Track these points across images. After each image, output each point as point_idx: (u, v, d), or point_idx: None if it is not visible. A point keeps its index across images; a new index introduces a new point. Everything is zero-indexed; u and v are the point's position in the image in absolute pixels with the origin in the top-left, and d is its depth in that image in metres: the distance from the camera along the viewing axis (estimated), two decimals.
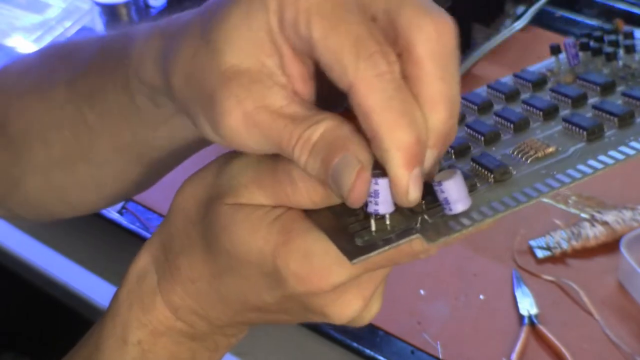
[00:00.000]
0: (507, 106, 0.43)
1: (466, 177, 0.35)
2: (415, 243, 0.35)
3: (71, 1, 1.18)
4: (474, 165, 0.38)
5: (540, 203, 0.89)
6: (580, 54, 0.46)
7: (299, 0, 0.33)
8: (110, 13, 1.12)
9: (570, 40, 0.46)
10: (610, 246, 0.85)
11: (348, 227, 0.36)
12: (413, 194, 0.33)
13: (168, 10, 1.11)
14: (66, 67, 0.48)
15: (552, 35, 1.09)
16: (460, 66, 1.07)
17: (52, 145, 0.49)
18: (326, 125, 0.34)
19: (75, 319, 0.97)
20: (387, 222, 0.35)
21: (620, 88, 0.42)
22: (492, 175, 0.36)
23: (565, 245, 0.85)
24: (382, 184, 0.34)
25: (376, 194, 0.34)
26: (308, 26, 0.33)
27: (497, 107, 0.43)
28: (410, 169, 0.33)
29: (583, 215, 0.88)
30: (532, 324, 0.80)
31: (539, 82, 0.45)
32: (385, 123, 0.32)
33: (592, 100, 0.42)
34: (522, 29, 1.08)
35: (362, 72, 0.32)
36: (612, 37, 0.46)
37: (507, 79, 0.46)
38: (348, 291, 0.37)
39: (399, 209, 0.35)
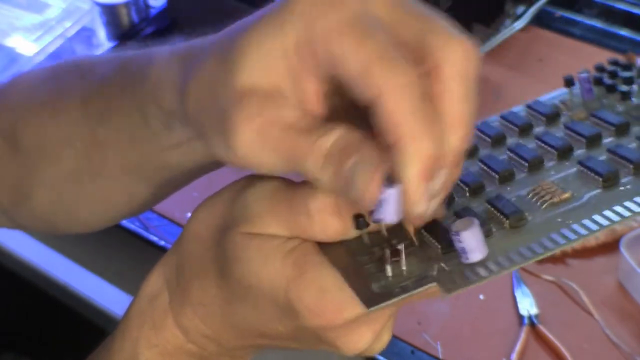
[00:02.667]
0: (520, 141, 0.43)
1: (482, 222, 0.36)
2: (431, 290, 0.35)
3: (71, 1, 1.18)
4: (489, 207, 0.38)
5: None
6: (595, 88, 0.46)
7: (317, 23, 0.34)
8: (110, 13, 1.12)
9: (584, 74, 0.46)
10: (610, 246, 0.85)
11: (363, 267, 0.36)
12: (421, 205, 0.34)
13: (168, 10, 1.11)
14: (82, 84, 0.48)
15: (552, 35, 1.09)
16: None
17: (62, 161, 0.49)
18: (338, 133, 0.34)
19: (75, 319, 0.97)
20: (404, 267, 0.36)
21: (635, 129, 0.42)
22: (507, 221, 0.37)
23: None
24: (392, 193, 0.34)
25: (384, 202, 0.34)
26: (331, 44, 0.34)
27: (510, 141, 0.43)
28: (425, 180, 0.33)
29: None
30: (532, 324, 0.80)
31: (552, 116, 0.44)
32: (410, 131, 0.33)
33: (607, 140, 0.42)
34: (522, 29, 1.08)
35: (392, 80, 0.33)
36: (627, 73, 0.46)
37: (520, 109, 0.46)
38: (360, 326, 0.37)
39: (415, 254, 0.36)
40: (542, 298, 0.82)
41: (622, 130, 0.42)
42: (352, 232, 0.37)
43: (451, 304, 0.83)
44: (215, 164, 0.46)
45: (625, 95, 0.45)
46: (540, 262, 0.85)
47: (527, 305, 0.81)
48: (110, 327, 0.94)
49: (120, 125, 0.46)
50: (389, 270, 0.36)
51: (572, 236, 0.36)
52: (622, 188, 0.38)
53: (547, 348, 0.78)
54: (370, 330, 0.38)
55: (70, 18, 1.17)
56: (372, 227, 0.37)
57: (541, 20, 1.10)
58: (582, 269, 0.84)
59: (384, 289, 0.35)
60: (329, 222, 0.36)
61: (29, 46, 1.14)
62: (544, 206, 0.38)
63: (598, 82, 0.46)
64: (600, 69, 0.47)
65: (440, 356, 0.78)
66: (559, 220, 0.37)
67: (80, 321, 0.97)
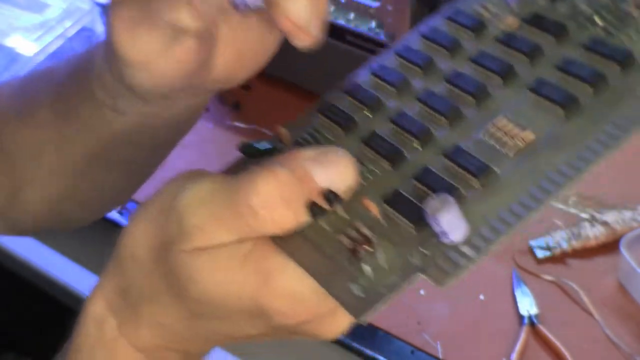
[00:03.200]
0: (455, 66, 0.39)
1: (448, 187, 0.33)
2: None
3: (71, 1, 1.18)
4: (450, 163, 0.35)
5: None
6: None
7: None
8: None
9: None
10: (610, 246, 0.85)
11: (332, 261, 0.33)
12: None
13: None
14: (47, 90, 0.50)
15: None
16: None
17: (41, 163, 0.50)
18: None
19: (75, 319, 0.97)
20: (380, 257, 0.33)
21: (574, 35, 0.37)
22: (476, 180, 0.33)
23: (565, 245, 0.85)
24: None
25: None
26: None
27: (443, 68, 0.39)
28: None
29: (583, 215, 0.88)
30: (532, 324, 0.80)
31: (478, 28, 0.40)
32: None
33: (550, 54, 0.37)
34: None
35: None
36: None
37: (439, 23, 0.41)
38: (337, 312, 0.36)
39: (386, 237, 0.33)
40: (542, 298, 0.82)
41: (562, 36, 0.37)
42: (305, 219, 0.34)
43: (451, 304, 0.83)
44: (177, 134, 0.49)
45: None
46: (540, 262, 0.85)
47: (527, 305, 0.81)
48: None
49: (81, 119, 0.47)
50: (367, 268, 0.33)
51: (551, 188, 0.32)
52: (586, 114, 0.34)
53: (547, 348, 0.78)
54: (347, 315, 0.36)
55: (70, 18, 1.17)
56: (328, 210, 0.34)
57: None
58: (582, 269, 0.84)
59: (367, 291, 0.32)
60: (278, 215, 0.34)
61: (29, 46, 1.14)
62: (512, 154, 0.34)
63: None
64: None
65: (440, 356, 0.78)
66: (532, 169, 0.33)
67: None
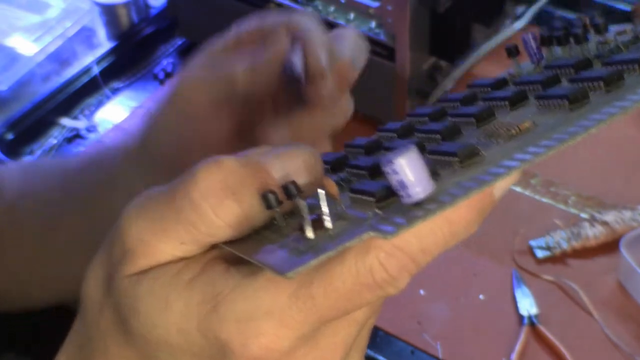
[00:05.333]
0: (465, 108, 0.37)
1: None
2: (381, 256, 0.29)
3: (71, 1, 1.18)
4: (434, 156, 0.31)
5: (540, 203, 0.89)
6: (544, 49, 0.39)
7: None
8: (110, 13, 1.12)
9: (529, 34, 0.39)
10: (610, 246, 0.85)
11: (282, 246, 0.29)
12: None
13: (168, 10, 1.11)
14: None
15: None
16: (460, 66, 1.06)
17: (23, 246, 0.51)
18: None
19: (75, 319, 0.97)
20: (329, 226, 0.28)
21: (597, 67, 0.35)
22: (457, 159, 0.29)
23: (565, 245, 0.85)
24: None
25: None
26: None
27: (452, 112, 0.37)
28: None
29: (583, 215, 0.88)
30: (532, 324, 0.80)
31: (499, 84, 0.38)
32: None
33: (566, 78, 0.35)
34: (522, 29, 1.08)
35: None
36: (578, 22, 0.39)
37: (461, 92, 0.40)
38: (310, 354, 0.30)
39: (343, 217, 0.29)
40: (542, 298, 0.82)
41: (583, 66, 0.35)
42: (259, 216, 0.30)
43: (451, 304, 0.83)
44: None
45: (581, 37, 0.37)
46: (540, 262, 0.85)
47: (527, 305, 0.81)
48: None
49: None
50: (309, 231, 0.28)
51: (540, 150, 0.28)
52: (593, 104, 0.31)
53: (547, 348, 0.78)
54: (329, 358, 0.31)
55: (70, 18, 1.16)
56: (288, 204, 0.30)
57: (541, 20, 1.10)
58: (582, 269, 0.84)
59: (304, 253, 0.28)
60: (221, 207, 0.29)
61: (29, 46, 1.14)
62: (502, 140, 0.30)
63: (547, 41, 0.39)
64: (547, 29, 0.40)
65: (440, 356, 0.78)
66: (521, 144, 0.29)
67: None
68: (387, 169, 0.27)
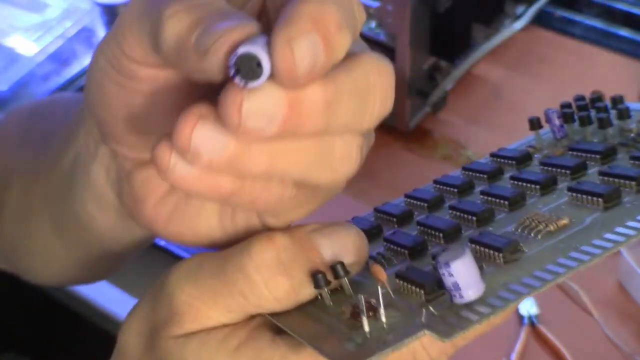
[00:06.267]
0: (494, 184, 0.37)
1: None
2: (424, 341, 0.30)
3: (71, 1, 1.18)
4: (474, 246, 0.32)
5: None
6: (566, 125, 0.41)
7: None
8: (111, 13, 1.12)
9: (553, 109, 0.40)
10: None
11: (333, 329, 0.30)
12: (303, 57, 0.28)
13: None
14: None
15: (552, 35, 1.09)
16: (460, 66, 1.06)
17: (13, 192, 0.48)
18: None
19: (75, 319, 0.97)
20: (383, 320, 0.29)
21: (621, 155, 0.37)
22: (500, 255, 0.30)
23: None
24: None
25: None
26: None
27: (480, 188, 0.37)
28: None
29: None
30: (532, 324, 0.80)
31: (523, 158, 0.39)
32: None
33: (595, 169, 0.36)
34: (522, 29, 1.08)
35: None
36: (600, 104, 0.41)
37: (485, 160, 0.40)
38: None
39: (394, 306, 0.30)
40: (542, 298, 0.82)
41: (609, 155, 0.37)
42: (306, 292, 0.31)
43: None
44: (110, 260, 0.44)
45: (605, 122, 0.39)
46: None
47: (527, 305, 0.81)
48: (112, 328, 0.94)
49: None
50: (365, 324, 0.29)
51: (584, 257, 0.30)
52: (627, 206, 0.32)
53: (547, 348, 0.78)
54: None
55: (70, 18, 1.17)
56: (334, 283, 0.31)
57: (541, 20, 1.10)
58: (582, 269, 0.84)
59: (361, 346, 0.29)
60: (273, 282, 0.30)
61: (29, 46, 1.14)
62: (540, 237, 0.32)
63: (568, 118, 0.41)
64: (566, 105, 0.41)
65: None
66: (562, 246, 0.31)
67: (81, 322, 0.97)
68: (443, 271, 0.29)
